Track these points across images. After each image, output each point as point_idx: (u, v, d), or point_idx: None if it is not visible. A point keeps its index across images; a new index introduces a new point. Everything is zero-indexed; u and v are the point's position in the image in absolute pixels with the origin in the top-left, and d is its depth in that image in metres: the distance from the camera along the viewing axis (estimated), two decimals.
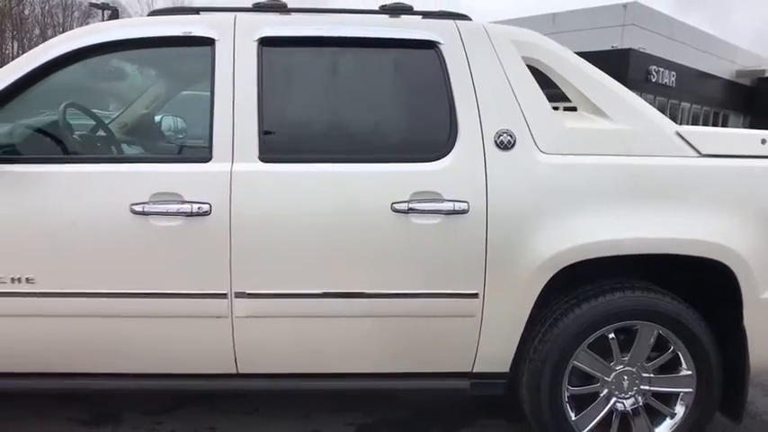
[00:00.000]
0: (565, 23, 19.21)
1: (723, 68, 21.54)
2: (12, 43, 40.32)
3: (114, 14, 3.31)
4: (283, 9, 2.20)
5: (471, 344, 2.07)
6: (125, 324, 2.00)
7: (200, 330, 2.01)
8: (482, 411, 2.62)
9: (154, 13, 2.16)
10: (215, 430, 2.45)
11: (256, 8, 2.20)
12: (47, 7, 44.23)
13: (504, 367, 2.14)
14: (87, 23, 46.45)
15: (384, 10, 2.23)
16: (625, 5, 17.27)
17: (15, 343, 2.01)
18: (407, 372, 2.14)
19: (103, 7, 36.61)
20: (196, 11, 2.17)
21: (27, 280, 1.94)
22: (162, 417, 2.53)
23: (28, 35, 44.50)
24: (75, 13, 44.22)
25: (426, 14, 2.23)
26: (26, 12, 42.98)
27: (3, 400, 2.54)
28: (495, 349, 2.09)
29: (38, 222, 1.93)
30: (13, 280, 1.94)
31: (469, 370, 2.13)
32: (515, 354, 2.11)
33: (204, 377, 2.11)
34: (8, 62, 2.03)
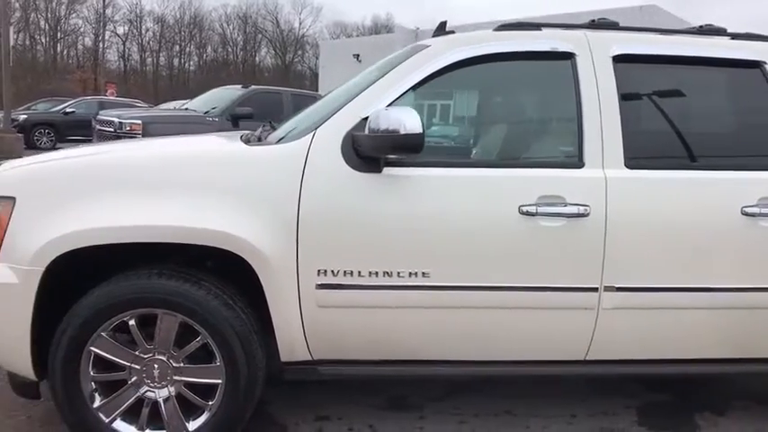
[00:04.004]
0: None
1: None
2: None
3: (442, 26, 3.13)
4: (616, 27, 2.40)
5: None
6: (501, 315, 2.18)
7: (563, 321, 2.21)
8: (734, 392, 2.89)
9: (501, 27, 2.33)
10: (511, 413, 2.65)
11: (592, 25, 2.40)
12: None
13: None
14: (74, 9, 45.21)
15: (701, 30, 2.45)
16: (641, 8, 17.77)
17: (403, 331, 2.18)
18: (730, 357, 2.37)
19: None
20: (538, 26, 2.35)
21: (423, 274, 2.11)
22: (449, 402, 2.71)
23: (6, 19, 43.04)
24: None
25: (734, 36, 2.46)
26: None
27: (315, 385, 2.70)
28: None
29: (435, 221, 2.10)
30: (410, 274, 2.10)
31: None
32: None
33: (549, 363, 2.31)
34: None
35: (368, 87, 2.19)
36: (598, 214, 2.14)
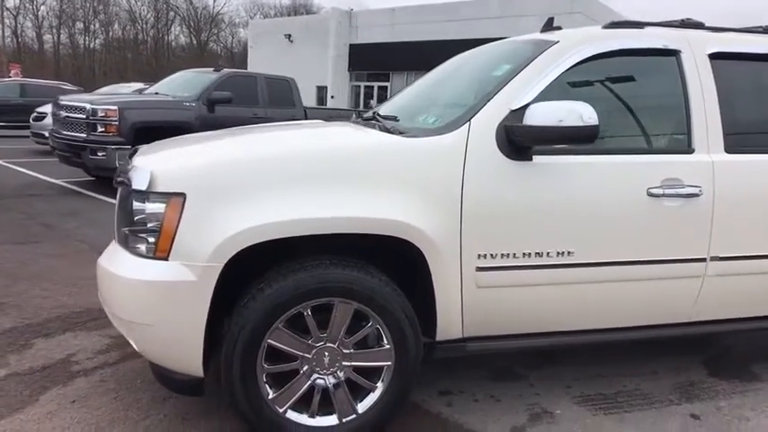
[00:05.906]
0: (510, 8, 20.42)
1: None
2: None
3: (550, 22, 3.07)
4: (702, 26, 2.69)
5: None
6: (627, 287, 2.44)
7: (675, 288, 2.51)
8: None
9: (610, 25, 2.54)
10: (602, 375, 2.94)
11: (682, 24, 2.67)
12: None
13: None
14: None
15: None
16: None
17: (549, 306, 2.37)
18: None
19: None
20: (640, 25, 2.59)
21: (568, 253, 2.31)
22: (548, 370, 2.96)
23: None
24: None
25: None
26: None
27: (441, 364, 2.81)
28: None
29: (579, 203, 2.30)
30: (558, 254, 2.30)
31: None
32: None
33: (661, 327, 2.61)
34: None
35: (508, 82, 2.32)
36: (708, 194, 2.44)
